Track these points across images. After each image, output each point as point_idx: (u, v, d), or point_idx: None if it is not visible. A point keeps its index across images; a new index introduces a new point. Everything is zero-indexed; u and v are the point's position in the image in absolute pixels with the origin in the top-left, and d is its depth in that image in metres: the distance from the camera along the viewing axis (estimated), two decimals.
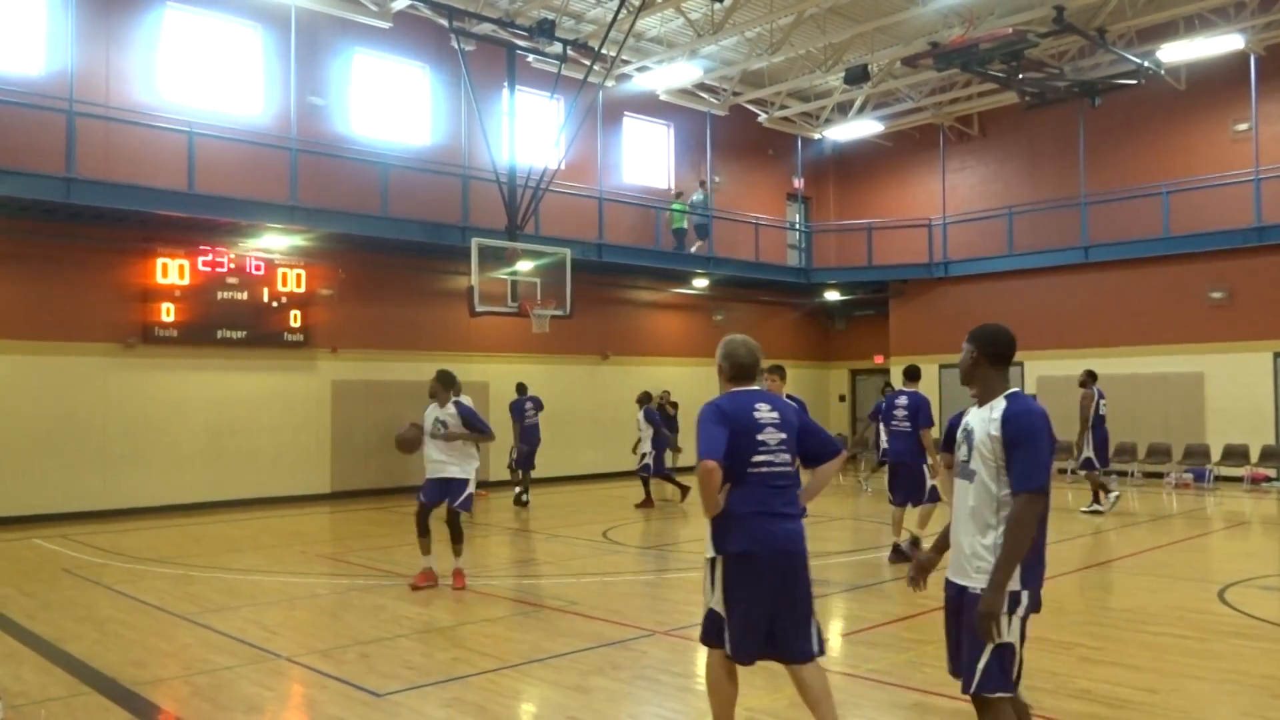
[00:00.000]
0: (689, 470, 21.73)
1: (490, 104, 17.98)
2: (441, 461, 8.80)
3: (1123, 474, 18.61)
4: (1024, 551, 3.68)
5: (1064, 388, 20.16)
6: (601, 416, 20.48)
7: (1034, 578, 3.75)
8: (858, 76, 18.98)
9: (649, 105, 21.54)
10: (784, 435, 4.39)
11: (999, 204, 22.50)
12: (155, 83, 15.35)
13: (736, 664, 4.39)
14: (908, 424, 9.93)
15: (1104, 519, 13.40)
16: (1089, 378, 14.50)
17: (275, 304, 16.30)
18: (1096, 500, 13.97)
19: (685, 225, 21.44)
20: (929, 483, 9.89)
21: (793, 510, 4.39)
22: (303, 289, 16.61)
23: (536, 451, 16.08)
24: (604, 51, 17.02)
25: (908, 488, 9.98)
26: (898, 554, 9.89)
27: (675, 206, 21.57)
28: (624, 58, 18.97)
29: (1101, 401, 14.31)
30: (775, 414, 4.41)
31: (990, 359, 3.90)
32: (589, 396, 20.43)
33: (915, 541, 9.74)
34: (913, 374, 10.39)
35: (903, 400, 10.07)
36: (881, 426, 11.25)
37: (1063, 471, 18.56)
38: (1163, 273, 19.41)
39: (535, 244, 17.10)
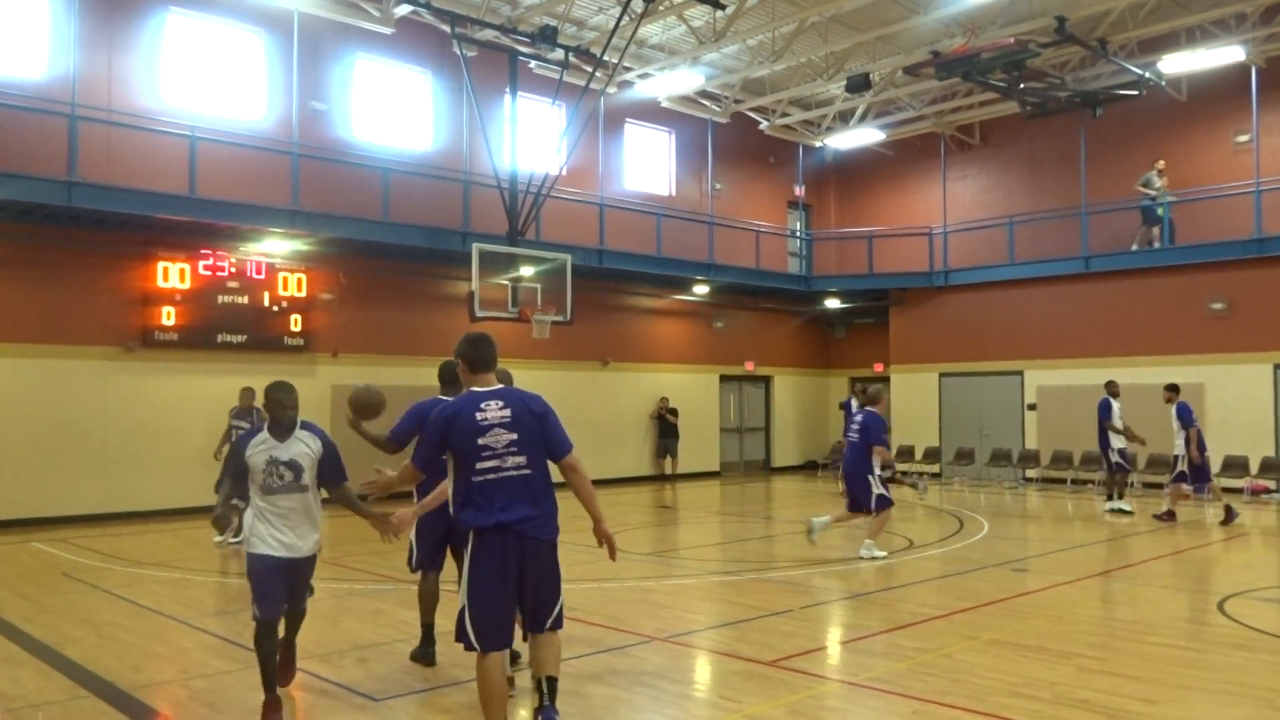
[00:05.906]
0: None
1: (492, 110, 18.01)
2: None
3: (1125, 485, 18.54)
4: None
5: (1064, 397, 20.17)
6: (602, 422, 20.48)
7: None
8: (859, 85, 19.04)
9: (650, 112, 21.59)
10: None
11: (999, 213, 22.52)
12: (157, 87, 15.38)
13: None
14: None
15: (1096, 526, 13.41)
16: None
17: (276, 308, 16.31)
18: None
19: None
20: None
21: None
22: (303, 293, 16.62)
23: None
24: (606, 58, 17.06)
25: None
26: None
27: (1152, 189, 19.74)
28: (626, 65, 19.01)
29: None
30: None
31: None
32: (589, 403, 20.42)
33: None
34: None
35: None
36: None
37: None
38: (1163, 283, 19.41)
39: (536, 249, 17.11)
